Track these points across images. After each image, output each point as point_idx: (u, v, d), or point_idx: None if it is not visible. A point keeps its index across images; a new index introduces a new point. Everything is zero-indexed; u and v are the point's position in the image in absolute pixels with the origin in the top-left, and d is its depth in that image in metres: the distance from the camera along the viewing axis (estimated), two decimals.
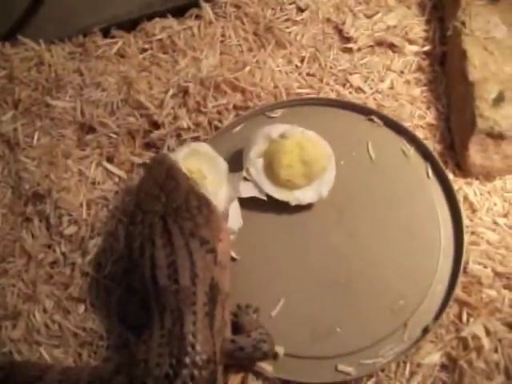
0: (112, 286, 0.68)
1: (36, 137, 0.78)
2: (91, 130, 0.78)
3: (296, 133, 0.68)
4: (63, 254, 0.72)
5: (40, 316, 0.68)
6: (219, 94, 0.77)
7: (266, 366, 0.62)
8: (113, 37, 0.87)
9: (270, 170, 0.69)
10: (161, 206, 0.61)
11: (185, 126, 0.75)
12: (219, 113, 0.76)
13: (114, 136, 0.77)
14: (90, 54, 0.84)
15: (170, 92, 0.77)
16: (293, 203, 0.69)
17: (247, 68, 0.79)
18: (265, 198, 0.69)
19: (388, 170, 0.73)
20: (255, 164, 0.69)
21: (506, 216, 0.70)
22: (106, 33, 0.87)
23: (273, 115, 0.77)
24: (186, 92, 0.77)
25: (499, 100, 0.69)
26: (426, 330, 0.63)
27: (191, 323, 0.56)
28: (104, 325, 0.67)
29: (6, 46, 0.86)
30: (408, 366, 0.62)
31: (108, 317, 0.67)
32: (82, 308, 0.68)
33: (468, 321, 0.64)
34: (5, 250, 0.73)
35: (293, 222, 0.70)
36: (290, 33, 0.83)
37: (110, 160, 0.77)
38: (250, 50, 0.83)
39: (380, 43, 0.81)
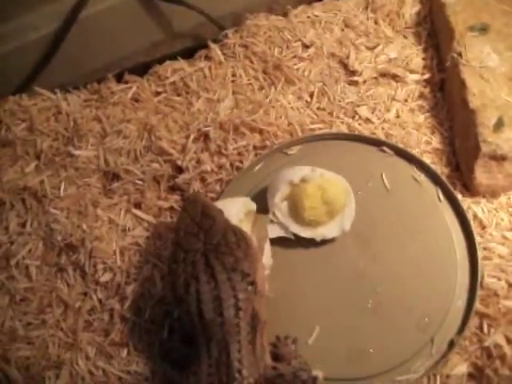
0: (153, 328, 0.75)
1: (62, 187, 0.84)
2: (116, 177, 0.84)
3: (316, 176, 0.76)
4: (100, 300, 0.78)
5: (83, 363, 0.74)
6: (238, 136, 0.85)
7: None
8: (126, 82, 0.93)
9: (295, 211, 0.77)
10: (201, 244, 0.67)
11: (208, 169, 0.82)
12: (240, 154, 0.84)
13: (140, 182, 0.83)
14: (105, 101, 0.91)
15: (191, 137, 0.84)
16: (318, 239, 0.77)
17: (262, 109, 0.86)
18: (292, 237, 0.78)
19: (402, 196, 0.81)
20: (280, 208, 0.77)
21: None
22: (119, 78, 0.93)
23: (290, 152, 0.84)
24: (206, 136, 0.84)
25: (499, 125, 0.78)
26: (451, 344, 0.72)
27: (236, 351, 0.63)
28: (148, 366, 0.73)
29: (23, 97, 0.91)
30: (438, 378, 0.71)
31: (151, 358, 0.73)
32: (124, 352, 0.74)
33: (489, 331, 0.73)
34: (42, 301, 0.78)
35: (320, 254, 0.78)
36: (297, 69, 0.91)
37: (137, 206, 0.83)
38: (261, 88, 0.90)
39: (383, 74, 0.90)
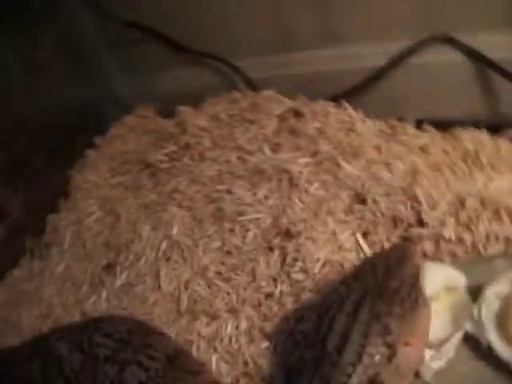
0: None
1: (315, 186, 0.93)
2: (363, 202, 0.89)
3: None
4: (281, 292, 0.83)
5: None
6: (494, 220, 0.80)
7: None
8: (424, 130, 0.99)
9: (504, 319, 0.66)
10: (373, 281, 0.65)
11: (447, 236, 0.80)
12: (487, 238, 0.79)
13: (379, 215, 0.86)
14: (395, 137, 0.98)
15: (448, 197, 0.84)
16: None
17: None
18: (484, 344, 0.66)
19: None
20: (489, 304, 0.68)
21: None
22: (418, 124, 1.00)
23: None
24: (461, 203, 0.83)
25: None
26: None
27: None
28: None
29: (347, 107, 1.05)
30: None
31: None
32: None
33: None
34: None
35: None
36: None
37: (364, 235, 0.86)
38: None
39: None
